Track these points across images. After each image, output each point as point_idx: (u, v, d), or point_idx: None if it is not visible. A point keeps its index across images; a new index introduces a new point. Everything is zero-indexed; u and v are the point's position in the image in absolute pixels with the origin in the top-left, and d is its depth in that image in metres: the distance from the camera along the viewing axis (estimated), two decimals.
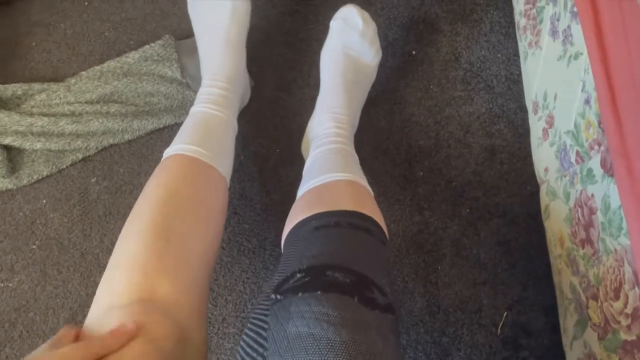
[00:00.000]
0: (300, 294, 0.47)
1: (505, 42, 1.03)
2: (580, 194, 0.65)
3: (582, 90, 0.62)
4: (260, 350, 0.45)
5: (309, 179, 0.73)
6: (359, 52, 0.84)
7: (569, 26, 0.66)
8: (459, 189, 0.94)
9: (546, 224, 0.77)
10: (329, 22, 0.86)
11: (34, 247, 0.90)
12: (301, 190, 0.73)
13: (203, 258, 0.67)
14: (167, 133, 0.96)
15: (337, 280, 0.48)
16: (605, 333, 0.55)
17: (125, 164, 0.94)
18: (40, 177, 0.91)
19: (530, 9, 0.79)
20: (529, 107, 0.83)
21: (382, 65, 0.94)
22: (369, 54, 0.84)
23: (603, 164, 0.57)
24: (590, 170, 0.61)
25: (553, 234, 0.74)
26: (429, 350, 0.86)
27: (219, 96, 0.83)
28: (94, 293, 0.86)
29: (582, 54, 0.62)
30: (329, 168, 0.74)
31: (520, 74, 0.99)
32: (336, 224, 0.60)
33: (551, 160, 0.74)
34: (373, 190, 0.73)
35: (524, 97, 0.98)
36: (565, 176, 0.70)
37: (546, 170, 0.75)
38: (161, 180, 0.70)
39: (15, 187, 0.90)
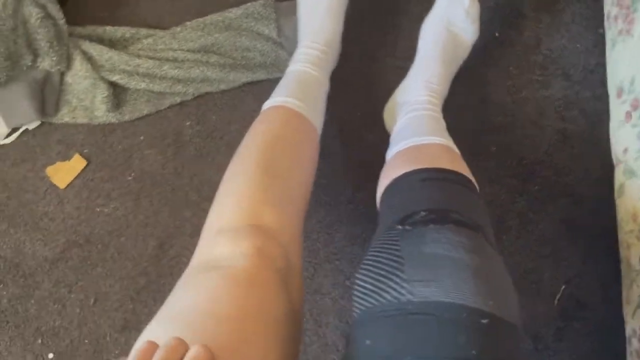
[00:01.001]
0: (431, 226, 0.51)
1: (585, 34, 1.06)
2: None
3: None
4: (396, 265, 0.49)
5: (403, 139, 0.78)
6: (461, 29, 0.89)
7: None
8: (530, 167, 0.99)
9: (618, 201, 0.81)
10: None
11: (130, 178, 0.98)
12: (395, 148, 0.77)
13: (301, 195, 0.73)
14: (258, 87, 1.03)
15: (463, 220, 0.53)
16: None
17: (218, 112, 1.01)
18: (140, 115, 0.99)
19: None
20: (612, 92, 0.87)
21: None
22: (469, 32, 0.90)
23: None
24: None
25: (626, 210, 0.78)
26: None
27: (316, 57, 0.89)
28: (182, 226, 0.94)
29: None
30: (424, 131, 0.79)
31: (597, 65, 1.03)
32: (443, 178, 0.65)
33: (632, 140, 0.78)
34: None
35: (599, 87, 1.02)
36: None
37: (625, 150, 0.79)
38: (265, 127, 0.76)
39: (117, 121, 0.98)
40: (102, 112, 0.97)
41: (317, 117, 0.83)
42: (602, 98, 1.02)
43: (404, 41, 1.04)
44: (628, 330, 0.77)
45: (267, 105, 0.81)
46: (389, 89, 0.99)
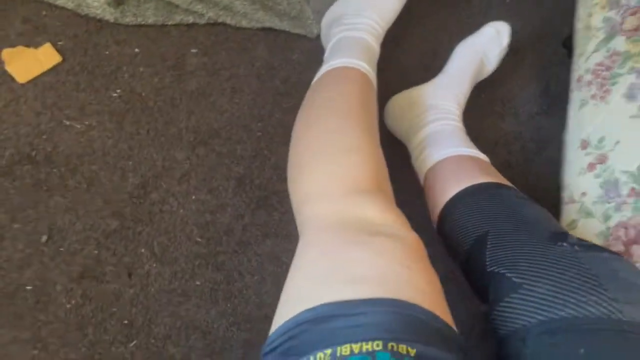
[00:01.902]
0: (606, 253, 0.56)
1: (534, 83, 1.25)
2: (630, 218, 0.86)
3: None
4: (594, 283, 0.51)
5: (452, 145, 0.81)
6: (489, 61, 0.98)
7: None
8: None
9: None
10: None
11: (115, 95, 0.79)
12: (450, 150, 0.80)
13: None
14: (272, 37, 0.94)
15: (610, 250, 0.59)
16: None
17: (228, 49, 0.89)
18: (142, 23, 0.81)
19: (603, 70, 1.01)
20: (575, 143, 1.04)
21: None
22: (492, 66, 0.99)
23: None
24: None
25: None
26: None
27: (379, 35, 0.87)
28: (171, 168, 0.82)
29: None
30: (471, 144, 0.84)
31: (537, 113, 1.21)
32: (527, 198, 0.71)
33: (593, 188, 0.95)
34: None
35: (535, 132, 1.20)
36: (609, 202, 0.92)
37: (584, 194, 0.96)
38: (360, 87, 0.74)
39: (113, 20, 0.79)
40: (99, 3, 0.76)
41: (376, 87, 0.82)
42: (537, 141, 1.21)
43: (412, 39, 1.06)
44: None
45: (341, 63, 0.76)
46: (385, 82, 1.00)
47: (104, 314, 0.74)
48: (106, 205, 0.76)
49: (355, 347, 0.41)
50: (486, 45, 0.98)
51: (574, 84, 1.13)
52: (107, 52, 0.79)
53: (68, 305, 0.72)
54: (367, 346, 0.41)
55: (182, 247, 0.80)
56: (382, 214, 0.54)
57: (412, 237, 0.54)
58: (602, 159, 0.95)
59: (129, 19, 0.79)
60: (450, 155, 0.80)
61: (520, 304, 0.54)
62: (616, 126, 0.95)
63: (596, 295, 0.51)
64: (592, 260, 0.55)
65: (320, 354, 0.41)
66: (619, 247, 0.86)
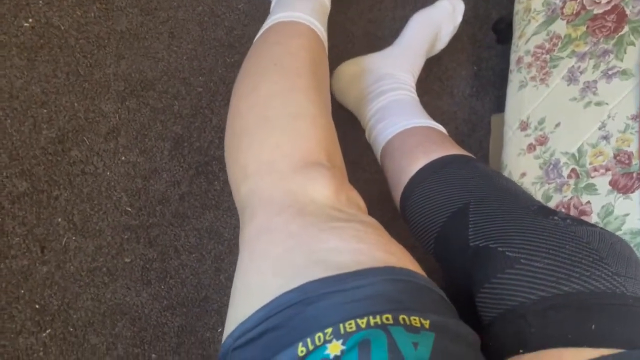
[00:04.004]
0: (597, 228, 0.55)
1: (467, 64, 1.26)
2: (571, 199, 0.90)
3: (600, 129, 0.88)
4: (595, 257, 0.50)
5: (412, 116, 0.78)
6: (441, 37, 0.97)
7: (594, 81, 0.93)
8: None
9: None
10: None
11: (26, 24, 0.65)
12: (409, 122, 0.77)
13: None
14: None
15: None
16: None
17: None
18: None
19: (543, 53, 1.05)
20: (514, 124, 1.07)
21: None
22: (442, 44, 0.99)
23: (614, 184, 0.83)
24: (591, 185, 0.87)
25: None
26: None
27: None
28: (96, 121, 0.71)
29: (607, 104, 0.89)
30: (429, 117, 0.81)
31: (469, 95, 1.23)
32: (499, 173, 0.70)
33: (533, 169, 0.98)
34: None
35: (468, 113, 1.22)
36: (549, 183, 0.95)
37: (523, 174, 0.99)
38: (307, 46, 0.68)
39: None
40: None
41: (326, 45, 0.76)
42: (468, 123, 1.23)
43: (360, 6, 1.02)
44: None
45: (287, 17, 0.70)
46: (332, 48, 0.95)
47: (9, 296, 0.60)
48: (12, 162, 0.62)
49: (362, 322, 0.35)
50: (442, 20, 0.96)
51: (513, 65, 1.15)
52: None
53: None
54: (376, 320, 0.35)
55: (108, 217, 0.68)
56: (336, 194, 0.49)
57: (371, 220, 0.50)
58: (542, 141, 0.97)
59: None
60: (412, 125, 0.76)
61: (518, 280, 0.52)
62: (557, 108, 0.98)
63: (599, 269, 0.50)
64: (589, 234, 0.54)
65: (319, 334, 0.34)
66: None
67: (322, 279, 0.39)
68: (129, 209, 0.69)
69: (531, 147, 0.96)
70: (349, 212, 0.49)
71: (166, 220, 0.72)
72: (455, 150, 0.71)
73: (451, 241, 0.61)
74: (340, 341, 0.33)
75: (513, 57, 1.15)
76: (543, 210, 0.57)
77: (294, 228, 0.46)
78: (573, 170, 0.87)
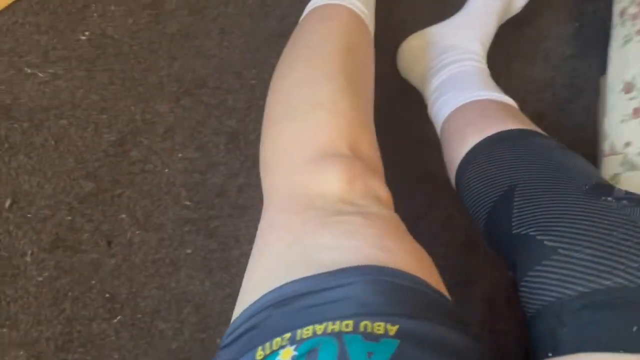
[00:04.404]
0: None
1: (566, 22, 1.13)
2: None
3: None
4: None
5: (476, 88, 0.72)
6: None
7: None
8: None
9: None
10: None
11: (83, 38, 0.71)
12: (471, 95, 0.70)
13: (372, 115, 0.63)
14: None
15: None
16: None
17: None
18: None
19: None
20: (617, 86, 0.94)
21: None
22: (522, 1, 0.88)
23: None
24: None
25: None
26: None
27: None
28: (153, 122, 0.74)
29: None
30: (496, 87, 0.75)
31: (570, 56, 1.10)
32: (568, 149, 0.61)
33: (639, 137, 0.84)
34: None
35: (568, 77, 1.09)
36: None
37: (628, 144, 0.86)
38: (341, 27, 0.64)
39: None
40: None
41: (372, 27, 0.72)
42: (570, 88, 1.10)
43: None
44: None
45: (325, 0, 0.67)
46: (396, 23, 0.90)
47: (82, 287, 0.67)
48: (78, 166, 0.68)
49: (319, 328, 0.34)
50: None
51: (616, 19, 1.01)
52: None
53: (40, 278, 0.66)
54: (334, 326, 0.34)
55: (169, 211, 0.72)
56: (349, 184, 0.46)
57: (384, 212, 0.47)
58: None
59: None
60: (471, 100, 0.70)
61: (554, 273, 0.46)
62: None
63: None
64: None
65: (277, 340, 0.34)
66: None
67: (300, 280, 0.38)
68: (188, 203, 0.73)
69: (637, 112, 0.84)
70: (360, 203, 0.46)
71: (225, 212, 0.74)
72: (514, 124, 0.64)
73: (498, 228, 0.55)
74: (294, 347, 0.32)
75: (616, 9, 1.01)
76: (597, 190, 0.50)
77: (295, 224, 0.45)
78: None
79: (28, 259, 0.65)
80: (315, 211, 0.45)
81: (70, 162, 0.68)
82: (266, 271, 0.43)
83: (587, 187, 0.50)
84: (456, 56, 0.80)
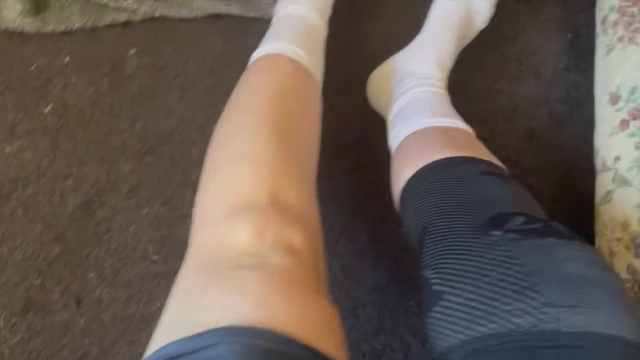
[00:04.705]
0: (555, 239, 0.44)
1: (556, 36, 1.08)
2: None
3: None
4: (524, 284, 0.40)
5: (421, 116, 0.70)
6: (478, 9, 0.84)
7: None
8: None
9: (602, 208, 0.83)
10: None
11: (46, 111, 0.75)
12: (414, 126, 0.69)
13: (313, 164, 0.61)
14: (224, 25, 0.87)
15: (568, 231, 0.47)
16: None
17: (173, 44, 0.83)
18: (69, 29, 0.77)
19: (629, 6, 0.85)
20: (603, 98, 0.89)
21: None
22: (484, 14, 0.87)
23: None
24: None
25: (613, 218, 0.80)
26: None
27: (318, 1, 0.76)
28: (116, 181, 0.76)
29: None
30: (448, 112, 0.72)
31: (564, 69, 1.05)
32: (498, 174, 0.58)
33: (627, 149, 0.79)
34: None
35: (563, 90, 1.04)
36: None
37: (617, 158, 0.81)
38: (271, 77, 0.64)
39: (35, 30, 0.75)
40: (14, 14, 0.73)
41: (319, 73, 0.72)
42: (566, 102, 1.05)
43: (394, 4, 0.95)
44: None
45: (264, 51, 0.68)
46: (371, 54, 0.90)
47: (53, 347, 0.70)
48: (46, 230, 0.73)
49: None
50: None
51: (598, 27, 0.96)
52: (34, 66, 0.75)
53: (13, 341, 0.69)
54: None
55: (137, 267, 0.75)
56: (259, 236, 0.45)
57: (288, 262, 0.44)
58: (636, 114, 0.79)
59: (52, 27, 0.75)
60: (418, 129, 0.68)
61: (442, 320, 0.44)
62: None
63: (525, 301, 0.40)
64: (530, 251, 0.43)
65: None
66: None
67: (176, 342, 0.38)
68: (156, 257, 0.75)
69: (624, 124, 0.80)
70: (265, 254, 0.46)
71: None
72: (448, 152, 0.61)
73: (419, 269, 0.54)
74: None
75: (598, 18, 0.97)
76: (492, 223, 0.47)
77: (193, 281, 0.45)
78: None
79: (1, 323, 0.69)
80: (219, 266, 0.45)
81: (39, 227, 0.72)
82: (158, 331, 0.43)
83: (485, 218, 0.48)
84: (413, 82, 0.79)
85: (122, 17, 0.79)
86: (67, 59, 0.77)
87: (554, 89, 1.05)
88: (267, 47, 0.68)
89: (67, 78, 0.77)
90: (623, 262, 0.78)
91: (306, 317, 0.42)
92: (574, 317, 0.38)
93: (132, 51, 0.80)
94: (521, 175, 0.99)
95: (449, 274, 0.45)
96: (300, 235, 0.49)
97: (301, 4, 0.75)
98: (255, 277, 0.42)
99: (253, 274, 0.43)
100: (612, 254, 0.81)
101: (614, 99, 0.89)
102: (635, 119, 0.82)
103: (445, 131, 0.67)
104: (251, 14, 0.84)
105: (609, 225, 0.83)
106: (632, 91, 0.84)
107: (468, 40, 0.88)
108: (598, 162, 0.92)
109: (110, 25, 0.79)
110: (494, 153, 0.96)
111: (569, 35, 1.11)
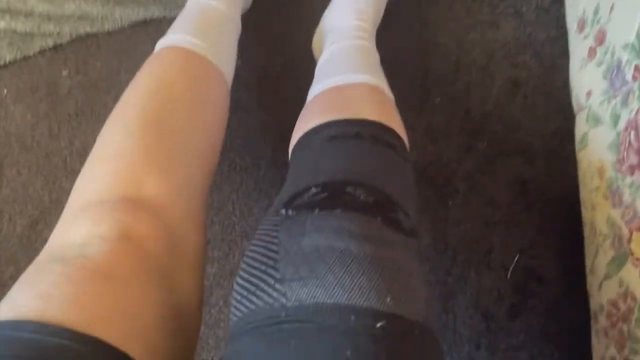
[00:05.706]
0: (316, 211, 0.41)
1: None
2: (637, 113, 0.58)
3: None
4: (271, 263, 0.39)
5: (324, 78, 0.65)
6: None
7: None
8: (478, 121, 0.88)
9: (581, 155, 0.71)
10: None
11: None
12: (314, 91, 0.64)
13: (201, 158, 0.59)
14: (154, 27, 0.87)
15: (359, 198, 0.43)
16: None
17: (103, 58, 0.84)
18: (1, 63, 0.79)
19: None
20: (572, 26, 0.77)
21: None
22: None
23: None
24: None
25: (590, 164, 0.67)
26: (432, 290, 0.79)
27: None
28: (59, 200, 0.77)
29: None
30: (348, 67, 0.65)
31: (553, 2, 0.91)
32: (357, 135, 0.53)
33: (597, 81, 0.67)
34: None
35: (554, 28, 0.91)
36: (615, 97, 0.64)
37: (589, 94, 0.69)
38: (153, 71, 0.63)
39: None
40: None
41: (225, 62, 0.69)
42: (558, 40, 0.91)
43: None
44: (593, 306, 0.67)
45: (159, 45, 0.66)
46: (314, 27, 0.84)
47: None
48: None
49: None
50: None
51: None
52: None
53: None
54: None
55: None
56: (93, 227, 0.45)
57: (104, 250, 0.43)
58: (600, 37, 0.68)
59: None
60: (316, 93, 0.63)
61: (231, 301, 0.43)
62: None
63: (265, 279, 0.38)
64: (288, 230, 0.41)
65: None
66: (632, 160, 0.59)
67: None
68: None
69: (592, 53, 0.69)
70: (89, 243, 0.44)
71: None
72: (327, 116, 0.56)
73: None
74: None
75: None
76: (292, 198, 0.43)
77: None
78: (637, 67, 0.60)
79: None
80: (43, 259, 0.45)
81: None
82: None
83: (289, 194, 0.43)
84: (332, 38, 0.76)
85: (50, 42, 0.82)
86: (5, 91, 0.82)
87: (539, 28, 0.92)
88: (162, 41, 0.67)
89: (7, 108, 0.81)
90: (603, 215, 0.66)
91: (85, 306, 0.39)
92: (300, 289, 0.36)
93: (64, 72, 0.83)
94: (506, 130, 0.87)
95: (246, 255, 0.43)
96: (147, 224, 0.47)
97: None
98: (55, 268, 0.42)
99: (55, 265, 0.43)
100: (593, 207, 0.69)
101: (581, 25, 0.76)
102: (601, 44, 0.69)
103: (334, 91, 0.61)
104: (174, 13, 0.83)
105: (587, 173, 0.71)
106: (596, 11, 0.71)
107: None
108: (574, 102, 0.79)
109: (41, 51, 0.82)
110: (473, 108, 0.86)
111: None
